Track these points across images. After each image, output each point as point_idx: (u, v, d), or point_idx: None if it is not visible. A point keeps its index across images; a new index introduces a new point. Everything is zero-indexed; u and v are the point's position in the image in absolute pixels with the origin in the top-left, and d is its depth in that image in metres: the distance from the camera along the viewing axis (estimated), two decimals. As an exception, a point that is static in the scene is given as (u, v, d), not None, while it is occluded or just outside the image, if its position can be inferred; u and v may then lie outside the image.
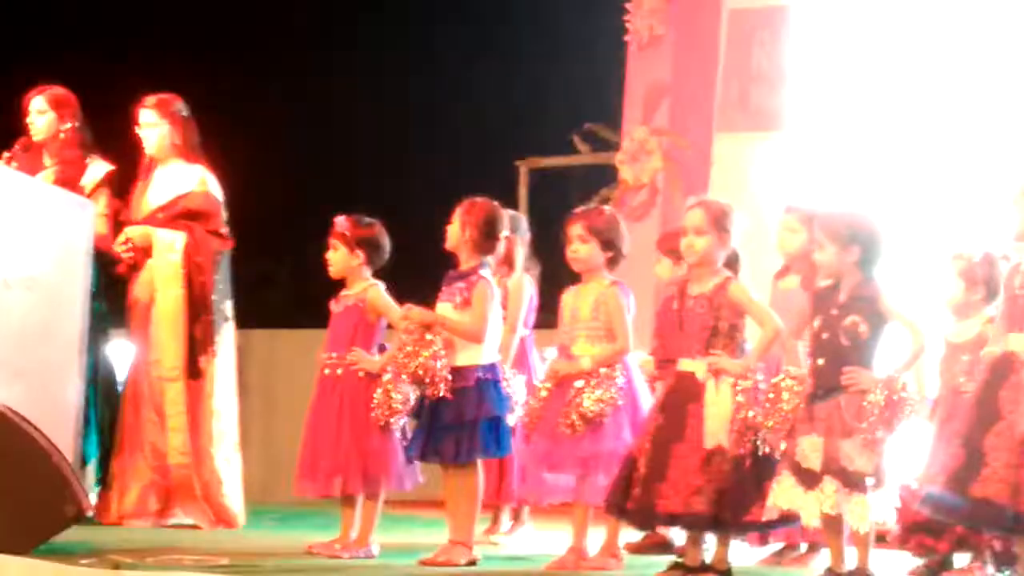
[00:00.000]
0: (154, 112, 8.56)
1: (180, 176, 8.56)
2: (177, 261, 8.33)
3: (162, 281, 8.31)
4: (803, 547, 7.73)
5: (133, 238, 8.48)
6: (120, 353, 8.93)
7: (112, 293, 8.67)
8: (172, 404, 8.20)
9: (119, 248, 8.48)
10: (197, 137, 8.73)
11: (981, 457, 5.71)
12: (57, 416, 7.42)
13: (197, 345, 8.39)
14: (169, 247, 8.33)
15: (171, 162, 8.62)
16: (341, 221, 7.67)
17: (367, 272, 7.69)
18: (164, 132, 8.53)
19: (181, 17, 19.27)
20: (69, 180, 8.41)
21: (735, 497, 6.28)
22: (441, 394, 6.92)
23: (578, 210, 7.30)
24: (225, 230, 8.65)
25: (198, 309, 8.42)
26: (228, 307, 8.73)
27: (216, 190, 8.63)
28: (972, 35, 9.76)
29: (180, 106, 8.71)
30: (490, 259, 7.24)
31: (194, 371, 8.35)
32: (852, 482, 6.10)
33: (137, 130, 8.68)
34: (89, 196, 8.39)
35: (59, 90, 8.76)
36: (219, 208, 8.62)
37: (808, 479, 6.15)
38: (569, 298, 7.23)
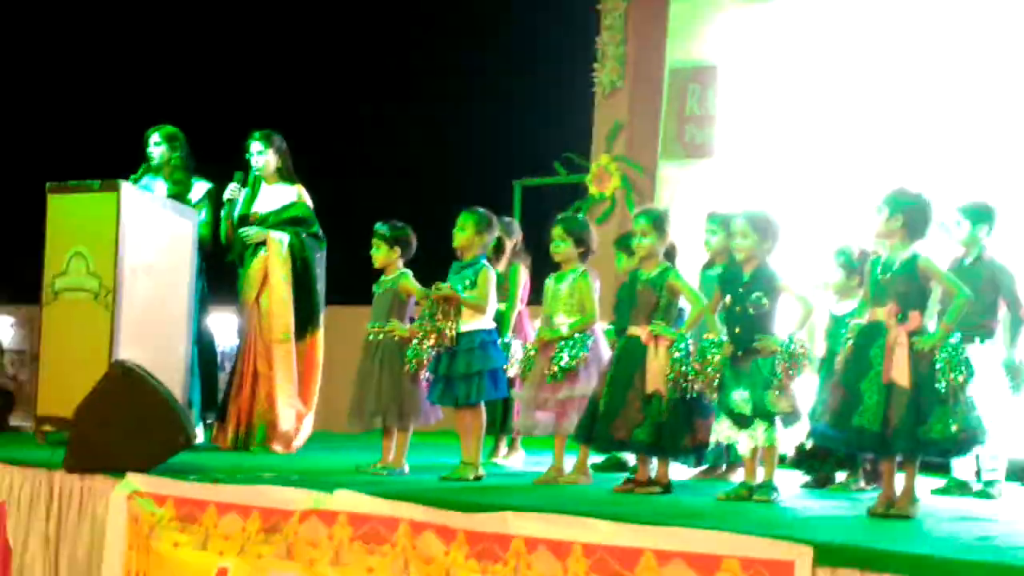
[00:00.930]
0: (262, 142, 8.66)
1: (282, 193, 8.66)
2: (286, 254, 8.44)
3: (273, 269, 8.39)
4: (724, 466, 7.81)
5: (251, 235, 8.57)
6: (217, 323, 8.95)
7: (210, 278, 8.69)
8: (279, 361, 8.29)
9: (240, 240, 8.64)
10: (291, 162, 8.81)
11: (859, 398, 5.81)
12: (171, 370, 7.67)
13: (301, 319, 8.50)
14: (279, 243, 8.43)
15: (275, 183, 8.71)
16: (381, 225, 7.81)
17: (400, 263, 7.78)
18: (269, 159, 8.64)
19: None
20: (179, 196, 8.55)
21: (671, 429, 6.44)
22: (454, 350, 7.15)
23: (559, 217, 7.49)
24: (320, 233, 8.76)
25: (302, 291, 8.53)
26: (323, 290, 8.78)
27: (310, 203, 8.77)
28: (860, 86, 9.80)
29: (280, 138, 8.78)
30: (482, 256, 7.39)
31: (300, 337, 8.48)
32: (775, 421, 6.28)
33: (248, 156, 8.73)
34: (195, 207, 8.57)
35: (169, 127, 8.85)
36: (314, 217, 8.74)
37: (741, 421, 6.35)
38: (551, 282, 7.41)
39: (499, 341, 7.55)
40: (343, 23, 18.16)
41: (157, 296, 7.97)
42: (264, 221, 8.61)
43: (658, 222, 6.87)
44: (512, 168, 12.42)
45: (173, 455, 6.77)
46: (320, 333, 8.72)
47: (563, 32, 12.55)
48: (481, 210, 7.56)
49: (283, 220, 8.63)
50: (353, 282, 8.66)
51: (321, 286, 8.81)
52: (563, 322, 7.23)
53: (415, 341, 7.24)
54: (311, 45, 18.27)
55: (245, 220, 8.69)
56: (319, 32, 18.44)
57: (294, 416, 8.51)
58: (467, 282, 7.27)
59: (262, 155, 8.67)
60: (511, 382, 7.60)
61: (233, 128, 9.11)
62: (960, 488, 7.27)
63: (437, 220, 7.69)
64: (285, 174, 8.76)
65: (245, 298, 8.61)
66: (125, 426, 6.69)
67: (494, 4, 16.29)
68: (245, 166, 8.80)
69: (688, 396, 6.42)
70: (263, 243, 8.50)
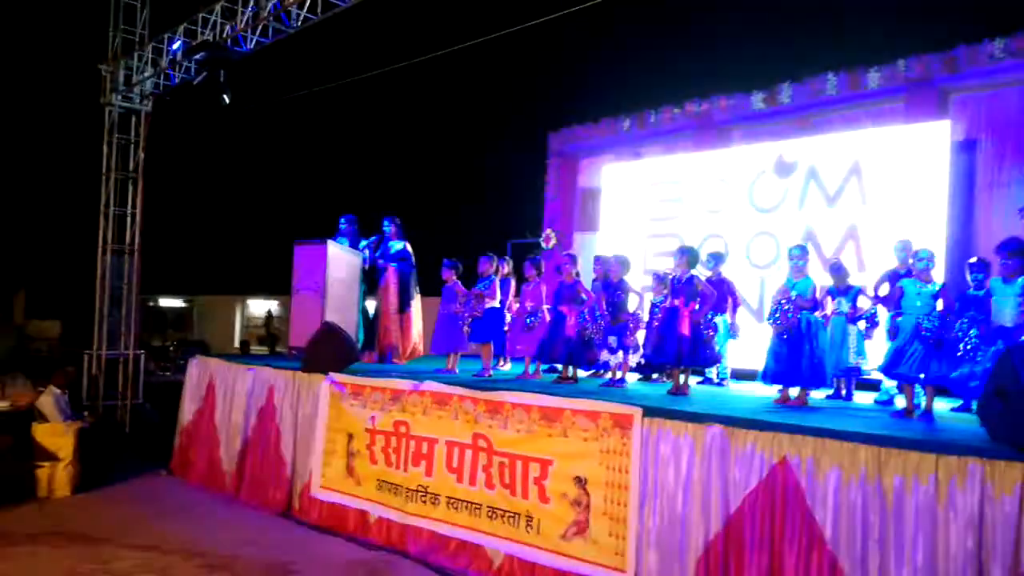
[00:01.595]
0: (391, 221, 8.38)
1: (400, 244, 8.37)
2: (398, 269, 8.25)
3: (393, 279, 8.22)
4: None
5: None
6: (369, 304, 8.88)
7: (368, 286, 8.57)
8: (393, 322, 8.17)
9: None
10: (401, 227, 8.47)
11: (664, 338, 5.82)
12: (349, 326, 7.68)
13: (402, 303, 8.23)
14: (395, 269, 8.22)
15: (395, 239, 8.35)
16: (449, 263, 7.41)
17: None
18: (393, 231, 8.37)
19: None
20: (353, 245, 8.44)
21: (576, 350, 6.27)
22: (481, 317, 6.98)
23: (530, 257, 7.38)
24: (413, 262, 8.38)
25: (402, 290, 8.26)
26: (416, 289, 8.40)
27: (410, 251, 8.41)
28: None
29: (398, 219, 8.44)
30: (493, 275, 7.17)
31: (403, 310, 8.26)
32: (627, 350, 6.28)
33: (384, 226, 8.37)
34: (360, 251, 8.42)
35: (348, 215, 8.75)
36: (411, 254, 8.40)
37: (612, 350, 6.23)
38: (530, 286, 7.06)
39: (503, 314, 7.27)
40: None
41: (344, 292, 7.96)
42: (392, 258, 8.29)
43: (574, 259, 6.88)
44: (506, 233, 12.40)
45: (350, 365, 6.83)
46: (411, 310, 8.32)
47: (532, 169, 12.54)
48: (489, 255, 7.30)
49: (394, 257, 8.33)
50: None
51: (413, 288, 8.42)
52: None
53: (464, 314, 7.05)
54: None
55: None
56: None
57: (405, 348, 8.33)
58: (486, 290, 7.05)
59: (390, 227, 8.38)
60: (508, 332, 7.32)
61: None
62: (710, 382, 7.27)
63: (465, 262, 7.66)
64: (397, 235, 8.39)
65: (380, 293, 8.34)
66: (328, 351, 6.83)
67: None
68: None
69: (587, 337, 6.35)
70: (386, 269, 8.27)
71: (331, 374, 6.59)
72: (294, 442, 6.73)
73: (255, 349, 18.74)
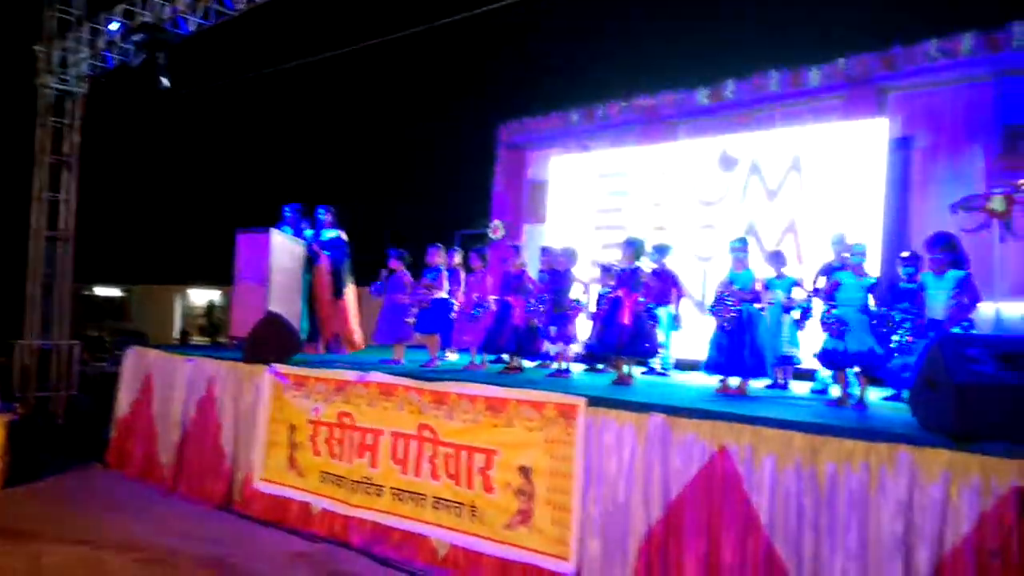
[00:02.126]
0: (325, 211, 8.38)
1: (334, 233, 8.34)
2: (331, 257, 8.20)
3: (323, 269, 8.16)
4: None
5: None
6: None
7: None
8: (329, 309, 8.12)
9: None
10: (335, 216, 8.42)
11: (608, 329, 5.86)
12: (293, 317, 7.59)
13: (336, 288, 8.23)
14: (328, 257, 8.17)
15: (329, 228, 8.37)
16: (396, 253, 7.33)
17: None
18: (329, 220, 8.35)
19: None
20: (299, 236, 8.28)
21: (522, 340, 6.34)
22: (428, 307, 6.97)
23: (476, 248, 7.38)
24: (348, 251, 8.40)
25: (337, 277, 8.25)
26: (350, 278, 8.44)
27: (344, 238, 8.39)
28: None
29: (333, 208, 8.41)
30: (440, 265, 7.18)
31: (337, 296, 8.22)
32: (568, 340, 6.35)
33: (319, 215, 8.37)
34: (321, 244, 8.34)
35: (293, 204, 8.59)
36: (346, 243, 8.35)
37: (555, 340, 6.35)
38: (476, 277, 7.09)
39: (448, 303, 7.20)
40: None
41: (288, 282, 7.85)
42: (324, 246, 8.29)
43: (520, 249, 6.90)
44: (455, 224, 12.35)
45: (293, 356, 6.74)
46: (343, 300, 8.31)
47: (482, 165, 12.50)
48: (439, 246, 7.31)
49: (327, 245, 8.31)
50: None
51: (346, 276, 8.41)
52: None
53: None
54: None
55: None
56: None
57: (353, 333, 8.32)
58: (435, 280, 7.09)
59: (325, 217, 8.37)
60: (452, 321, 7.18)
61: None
62: (654, 372, 7.35)
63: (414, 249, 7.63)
64: (334, 224, 8.38)
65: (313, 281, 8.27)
66: (271, 341, 6.71)
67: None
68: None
69: (533, 328, 6.38)
70: (319, 257, 8.22)
71: (273, 365, 6.48)
72: (235, 434, 6.60)
73: (196, 340, 18.36)
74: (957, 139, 8.08)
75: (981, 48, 7.63)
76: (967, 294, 4.90)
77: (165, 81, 8.15)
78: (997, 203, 7.43)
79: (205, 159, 20.77)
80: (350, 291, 8.37)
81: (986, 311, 7.01)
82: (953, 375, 3.29)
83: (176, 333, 20.38)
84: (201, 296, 22.43)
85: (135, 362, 7.92)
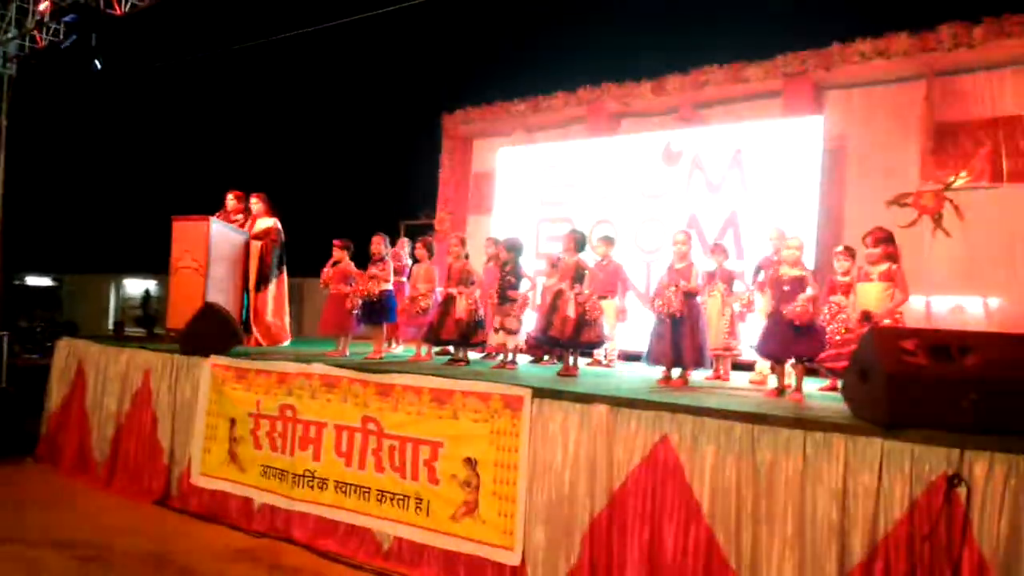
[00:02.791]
0: (258, 199, 8.15)
1: (267, 222, 8.10)
2: (261, 246, 7.98)
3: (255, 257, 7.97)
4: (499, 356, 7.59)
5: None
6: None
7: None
8: (261, 301, 7.95)
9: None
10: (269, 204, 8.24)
11: (551, 322, 5.91)
12: (231, 307, 7.46)
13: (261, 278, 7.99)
14: (259, 244, 7.96)
15: (262, 216, 8.13)
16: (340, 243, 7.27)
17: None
18: (261, 208, 8.12)
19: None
20: (240, 226, 8.13)
21: (467, 332, 6.33)
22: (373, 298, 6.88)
23: (421, 238, 7.30)
24: (281, 239, 8.11)
25: (264, 265, 8.02)
26: (281, 268, 8.16)
27: (279, 226, 8.12)
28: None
29: (266, 196, 8.18)
30: (385, 256, 7.07)
31: (260, 288, 7.98)
32: (512, 332, 6.31)
33: (252, 203, 8.18)
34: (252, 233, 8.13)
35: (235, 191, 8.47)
36: (280, 231, 8.12)
37: (498, 332, 6.29)
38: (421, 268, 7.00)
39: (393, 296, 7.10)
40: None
41: (227, 272, 7.68)
42: (256, 236, 8.06)
43: (464, 241, 6.86)
44: (400, 214, 12.24)
45: (232, 347, 6.59)
46: (270, 290, 8.04)
47: (428, 155, 12.36)
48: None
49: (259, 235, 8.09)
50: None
51: (275, 267, 8.15)
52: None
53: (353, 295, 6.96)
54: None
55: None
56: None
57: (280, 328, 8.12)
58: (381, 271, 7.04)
59: (258, 204, 8.16)
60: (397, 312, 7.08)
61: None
62: (599, 364, 7.37)
63: (359, 239, 7.54)
64: (268, 213, 8.17)
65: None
66: (209, 332, 6.55)
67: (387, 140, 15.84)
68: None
69: (478, 320, 6.38)
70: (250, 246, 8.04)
71: (212, 356, 6.33)
72: (172, 428, 6.43)
73: (132, 331, 17.79)
74: (891, 136, 8.32)
75: (914, 48, 7.87)
76: (899, 287, 5.04)
77: (98, 63, 7.84)
78: (928, 199, 7.69)
79: (141, 145, 20.07)
80: (274, 284, 8.12)
81: (917, 304, 7.26)
82: (885, 365, 3.37)
83: (111, 324, 19.74)
84: (137, 286, 21.77)
85: (67, 354, 7.64)
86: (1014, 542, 3.03)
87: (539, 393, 4.55)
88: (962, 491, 3.13)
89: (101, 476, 6.83)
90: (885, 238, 5.13)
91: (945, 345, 3.44)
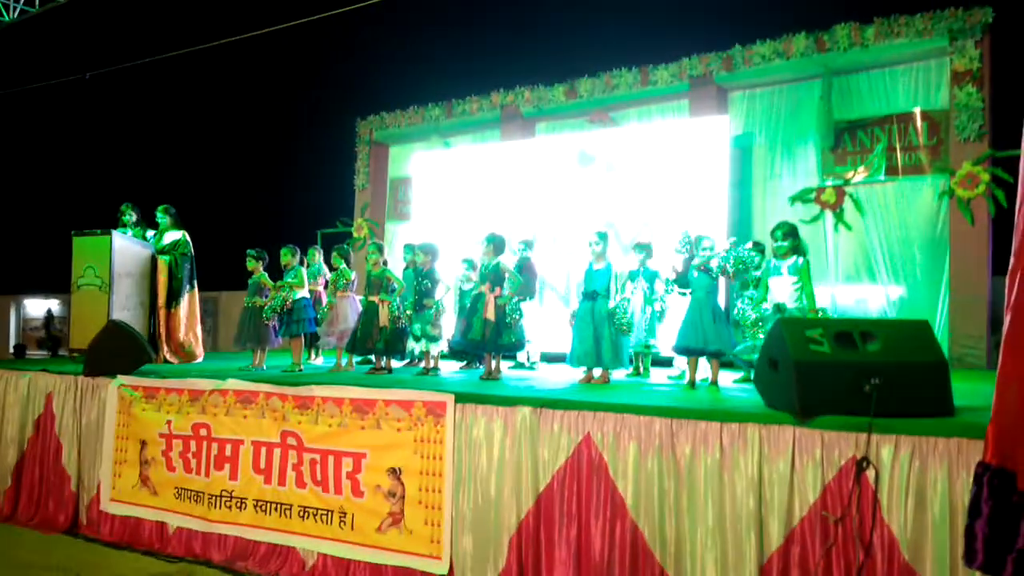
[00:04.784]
0: (165, 212, 7.85)
1: (175, 234, 7.83)
2: (169, 261, 7.78)
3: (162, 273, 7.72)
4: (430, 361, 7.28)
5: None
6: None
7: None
8: (173, 319, 7.74)
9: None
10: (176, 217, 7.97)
11: (471, 326, 5.88)
12: (138, 324, 7.19)
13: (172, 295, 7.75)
14: (165, 262, 7.73)
15: (170, 230, 7.87)
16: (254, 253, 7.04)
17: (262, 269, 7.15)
18: (169, 221, 7.88)
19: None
20: (141, 236, 7.82)
21: (390, 340, 6.19)
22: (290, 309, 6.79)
23: (338, 247, 7.19)
24: (190, 252, 7.79)
25: (175, 280, 7.77)
26: (192, 283, 7.86)
27: (188, 239, 7.82)
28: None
29: (173, 208, 7.91)
30: (299, 265, 6.98)
31: (173, 305, 7.74)
32: (432, 338, 6.26)
33: (158, 217, 7.87)
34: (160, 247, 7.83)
35: (129, 204, 8.11)
36: (188, 243, 7.80)
37: (418, 338, 6.25)
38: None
39: (312, 305, 7.03)
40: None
41: (132, 288, 7.36)
42: (163, 251, 7.76)
43: (382, 249, 6.79)
44: (316, 223, 12.00)
45: (140, 366, 6.31)
46: (182, 307, 7.75)
47: (343, 161, 12.17)
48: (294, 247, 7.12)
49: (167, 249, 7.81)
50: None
51: (187, 282, 7.85)
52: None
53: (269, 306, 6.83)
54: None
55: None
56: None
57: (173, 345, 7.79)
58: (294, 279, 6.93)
59: (165, 216, 7.83)
60: (316, 322, 6.89)
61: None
62: (521, 366, 7.42)
63: (273, 250, 7.35)
64: (175, 224, 7.89)
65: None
66: (115, 351, 6.25)
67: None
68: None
69: (400, 327, 6.31)
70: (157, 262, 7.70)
71: (119, 376, 6.05)
72: (78, 453, 6.10)
73: (34, 354, 16.93)
74: (792, 135, 8.64)
75: (811, 49, 8.19)
76: (805, 280, 5.20)
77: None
78: (829, 195, 8.02)
79: (37, 158, 19.07)
80: (186, 299, 7.85)
81: (822, 296, 7.55)
82: (792, 354, 3.47)
83: (11, 347, 18.69)
84: (39, 306, 20.69)
85: (-39, 380, 7.18)
86: (920, 519, 3.16)
87: (462, 398, 4.51)
88: (871, 473, 3.24)
89: (4, 508, 6.43)
90: (793, 231, 5.28)
91: (848, 332, 3.56)
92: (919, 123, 7.97)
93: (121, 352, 6.21)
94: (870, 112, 8.26)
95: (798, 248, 5.24)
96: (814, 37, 8.18)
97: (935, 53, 7.85)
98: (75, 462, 6.10)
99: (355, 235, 11.12)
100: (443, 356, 6.74)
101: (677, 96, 9.20)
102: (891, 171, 8.02)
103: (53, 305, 19.61)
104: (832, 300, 8.01)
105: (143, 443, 5.78)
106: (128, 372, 6.09)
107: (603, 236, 5.86)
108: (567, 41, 12.61)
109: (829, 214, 8.16)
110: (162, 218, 7.91)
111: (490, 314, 5.70)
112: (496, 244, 6.04)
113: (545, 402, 4.26)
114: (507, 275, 5.92)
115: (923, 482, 3.17)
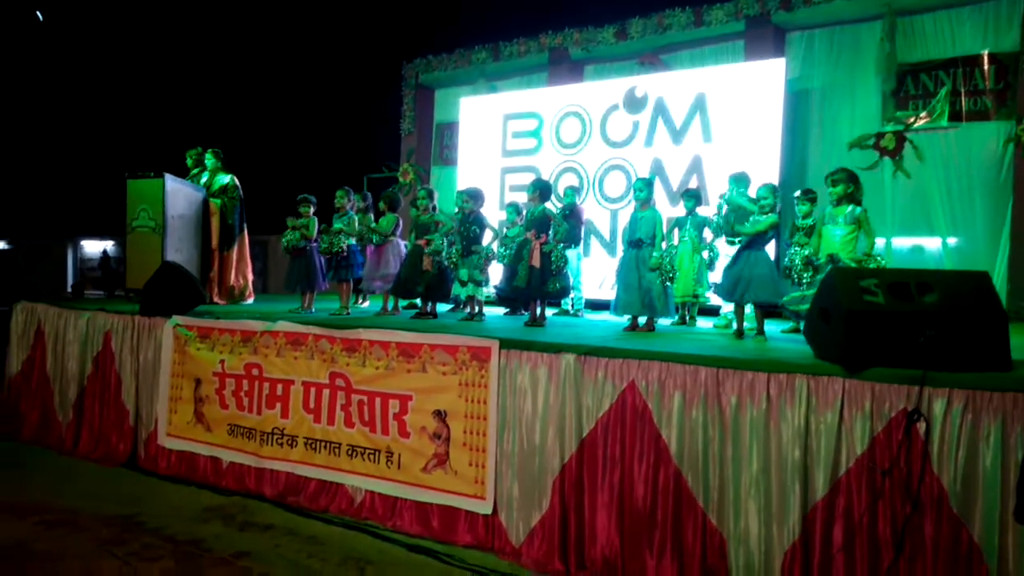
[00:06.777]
0: (213, 155, 8.03)
1: (224, 178, 7.96)
2: (221, 205, 7.88)
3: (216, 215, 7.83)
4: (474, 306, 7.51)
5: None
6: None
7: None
8: (227, 261, 7.89)
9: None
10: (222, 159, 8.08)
11: (516, 272, 5.87)
12: (191, 265, 7.37)
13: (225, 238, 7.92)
14: (219, 202, 7.87)
15: (219, 173, 8.02)
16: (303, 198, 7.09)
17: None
18: (215, 164, 8.01)
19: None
20: (194, 178, 7.97)
21: (434, 285, 6.28)
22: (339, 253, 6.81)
23: (386, 192, 7.17)
24: (240, 195, 7.98)
25: (227, 225, 7.93)
26: (243, 225, 8.07)
27: (236, 182, 7.98)
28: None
29: (220, 152, 8.05)
30: (350, 210, 7.02)
31: (227, 248, 7.92)
32: (480, 283, 6.24)
33: (207, 158, 8.06)
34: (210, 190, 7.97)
35: (193, 150, 8.29)
36: (238, 187, 7.96)
37: (465, 284, 6.25)
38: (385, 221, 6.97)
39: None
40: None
41: (185, 230, 7.54)
42: (214, 194, 7.95)
43: (432, 193, 6.78)
44: (363, 167, 12.02)
45: (194, 307, 6.48)
46: (234, 250, 7.95)
47: (389, 106, 12.10)
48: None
49: (218, 193, 7.96)
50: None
51: (239, 225, 8.05)
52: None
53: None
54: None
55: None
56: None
57: (224, 288, 7.99)
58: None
59: (214, 158, 8.03)
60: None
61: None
62: (566, 313, 7.43)
63: (323, 193, 7.42)
64: (224, 168, 8.06)
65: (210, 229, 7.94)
66: (169, 292, 6.42)
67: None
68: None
69: (445, 272, 6.30)
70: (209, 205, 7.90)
71: (174, 316, 6.22)
72: (136, 389, 6.33)
73: (91, 293, 17.46)
74: (852, 79, 8.32)
75: (875, -14, 7.84)
76: (865, 230, 5.04)
77: (39, 14, 7.53)
78: (888, 141, 7.74)
79: (91, 103, 19.38)
80: (238, 242, 8.00)
81: (878, 245, 7.35)
82: (845, 305, 3.39)
83: (69, 287, 19.33)
84: (95, 247, 21.30)
85: (25, 318, 7.47)
86: (971, 472, 3.11)
87: (506, 344, 4.53)
88: (921, 426, 3.19)
89: (66, 440, 6.73)
90: (845, 178, 5.11)
91: (904, 283, 3.47)
92: (986, 66, 7.62)
93: (176, 293, 6.37)
94: (934, 54, 7.92)
95: (853, 196, 5.08)
96: (878, -27, 7.83)
97: (1007, -9, 7.45)
98: (133, 398, 6.33)
99: (401, 180, 11.12)
100: (488, 302, 6.75)
101: (732, 37, 8.92)
102: (954, 116, 7.70)
103: (108, 246, 20.17)
104: (888, 249, 7.81)
105: (198, 381, 5.97)
106: (183, 312, 6.26)
107: (648, 182, 5.77)
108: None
109: (888, 160, 7.89)
110: (210, 160, 8.03)
111: (535, 261, 5.68)
112: (542, 190, 5.99)
113: (590, 349, 4.26)
114: (552, 222, 5.88)
115: (975, 436, 3.12)
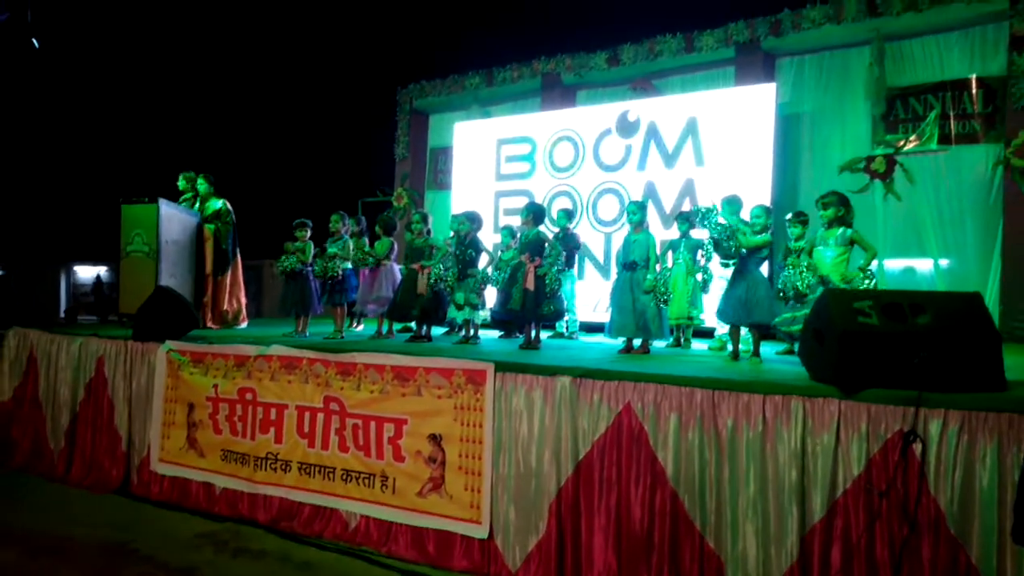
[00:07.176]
0: (205, 179, 8.05)
1: (217, 203, 7.98)
2: (215, 230, 7.91)
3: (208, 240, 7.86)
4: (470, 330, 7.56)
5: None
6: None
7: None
8: (220, 286, 7.88)
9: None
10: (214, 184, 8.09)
11: (510, 296, 5.87)
12: (184, 290, 7.33)
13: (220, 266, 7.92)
14: (212, 227, 7.90)
15: (211, 198, 8.07)
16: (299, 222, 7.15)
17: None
18: (207, 189, 8.03)
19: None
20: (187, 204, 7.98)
21: (429, 308, 6.29)
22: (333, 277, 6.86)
23: (380, 216, 7.21)
24: (233, 220, 8.03)
25: (220, 250, 7.95)
26: (236, 250, 8.08)
27: (229, 207, 8.01)
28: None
29: (212, 176, 8.09)
30: (345, 234, 7.05)
31: (220, 273, 7.93)
32: (476, 307, 6.27)
33: (199, 183, 8.07)
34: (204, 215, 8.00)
35: (187, 173, 8.32)
36: (231, 212, 8.01)
37: (460, 306, 6.26)
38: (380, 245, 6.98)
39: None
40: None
41: (179, 255, 7.52)
42: (208, 219, 7.95)
43: (426, 218, 6.80)
44: (357, 192, 12.04)
45: (188, 332, 6.45)
46: (228, 275, 7.97)
47: (383, 130, 12.16)
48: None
49: (211, 218, 7.97)
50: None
51: (236, 248, 8.08)
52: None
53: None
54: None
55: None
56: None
57: (217, 313, 7.98)
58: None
59: (204, 183, 8.03)
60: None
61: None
62: (560, 335, 7.43)
63: (317, 217, 7.43)
64: (215, 193, 8.08)
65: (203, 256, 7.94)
66: (163, 317, 6.39)
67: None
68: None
69: (440, 296, 6.33)
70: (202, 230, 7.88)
71: (167, 341, 6.19)
72: (129, 415, 6.28)
73: (84, 319, 17.37)
74: (841, 103, 8.41)
75: (863, 13, 7.93)
76: (863, 246, 5.05)
77: (35, 41, 7.56)
78: (879, 164, 7.81)
79: (84, 128, 19.40)
80: (231, 268, 8.01)
81: (870, 267, 7.37)
82: (839, 325, 3.40)
83: (62, 312, 19.24)
84: (88, 272, 21.23)
85: (17, 343, 7.40)
86: (968, 493, 3.11)
87: (502, 367, 4.52)
88: (917, 447, 3.19)
89: (58, 467, 6.65)
90: (836, 201, 5.14)
91: (897, 304, 3.48)
92: (974, 90, 7.71)
93: (169, 318, 6.34)
94: (923, 78, 8.01)
95: (844, 219, 5.11)
96: (866, 0, 7.92)
97: (993, 17, 7.55)
98: (126, 424, 6.27)
99: (395, 204, 11.16)
100: (483, 325, 6.75)
101: (722, 63, 9.01)
102: (944, 139, 7.78)
103: (101, 271, 20.12)
104: (880, 271, 7.84)
105: (191, 406, 5.92)
106: (176, 337, 6.23)
107: (641, 205, 5.81)
108: (609, 6, 12.39)
109: (879, 183, 7.95)
110: (202, 186, 8.06)
111: (530, 284, 5.69)
112: (535, 213, 6.02)
113: (585, 372, 4.25)
114: (546, 245, 5.89)
115: (971, 457, 3.12)
